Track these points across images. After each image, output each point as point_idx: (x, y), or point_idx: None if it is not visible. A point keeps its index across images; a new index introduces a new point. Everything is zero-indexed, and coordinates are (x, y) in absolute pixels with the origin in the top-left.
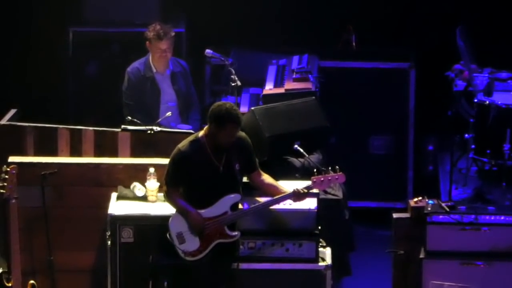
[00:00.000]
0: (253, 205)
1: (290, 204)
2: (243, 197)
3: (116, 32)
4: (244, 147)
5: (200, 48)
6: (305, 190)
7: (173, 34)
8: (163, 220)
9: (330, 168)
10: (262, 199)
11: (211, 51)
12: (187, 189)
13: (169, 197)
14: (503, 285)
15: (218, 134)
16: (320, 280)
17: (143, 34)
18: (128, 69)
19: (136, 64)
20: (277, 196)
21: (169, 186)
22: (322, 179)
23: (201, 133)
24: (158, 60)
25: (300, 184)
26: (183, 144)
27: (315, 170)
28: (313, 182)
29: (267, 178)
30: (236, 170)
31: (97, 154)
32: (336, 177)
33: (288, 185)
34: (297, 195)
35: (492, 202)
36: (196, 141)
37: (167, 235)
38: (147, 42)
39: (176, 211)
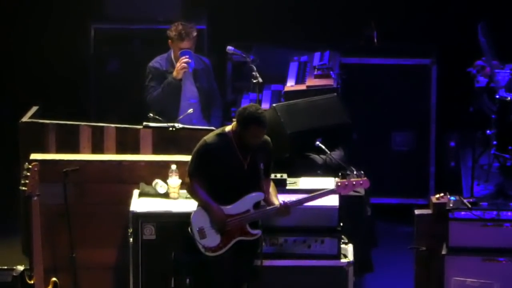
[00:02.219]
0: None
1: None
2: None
3: (138, 28)
4: (268, 152)
5: (222, 45)
6: (288, 205)
7: (195, 33)
8: (185, 217)
9: (354, 172)
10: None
11: (233, 48)
12: (210, 183)
13: (192, 190)
14: None
15: (243, 135)
16: (342, 276)
17: (165, 30)
18: (150, 64)
19: (157, 59)
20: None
21: (192, 177)
22: (346, 183)
23: (228, 128)
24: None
25: (323, 181)
26: (210, 136)
27: (340, 173)
28: (337, 186)
29: (271, 186)
30: (261, 169)
31: (119, 151)
32: (361, 182)
33: (310, 182)
34: (282, 210)
35: None
36: (223, 134)
37: (189, 229)
38: (169, 41)
39: (198, 204)
